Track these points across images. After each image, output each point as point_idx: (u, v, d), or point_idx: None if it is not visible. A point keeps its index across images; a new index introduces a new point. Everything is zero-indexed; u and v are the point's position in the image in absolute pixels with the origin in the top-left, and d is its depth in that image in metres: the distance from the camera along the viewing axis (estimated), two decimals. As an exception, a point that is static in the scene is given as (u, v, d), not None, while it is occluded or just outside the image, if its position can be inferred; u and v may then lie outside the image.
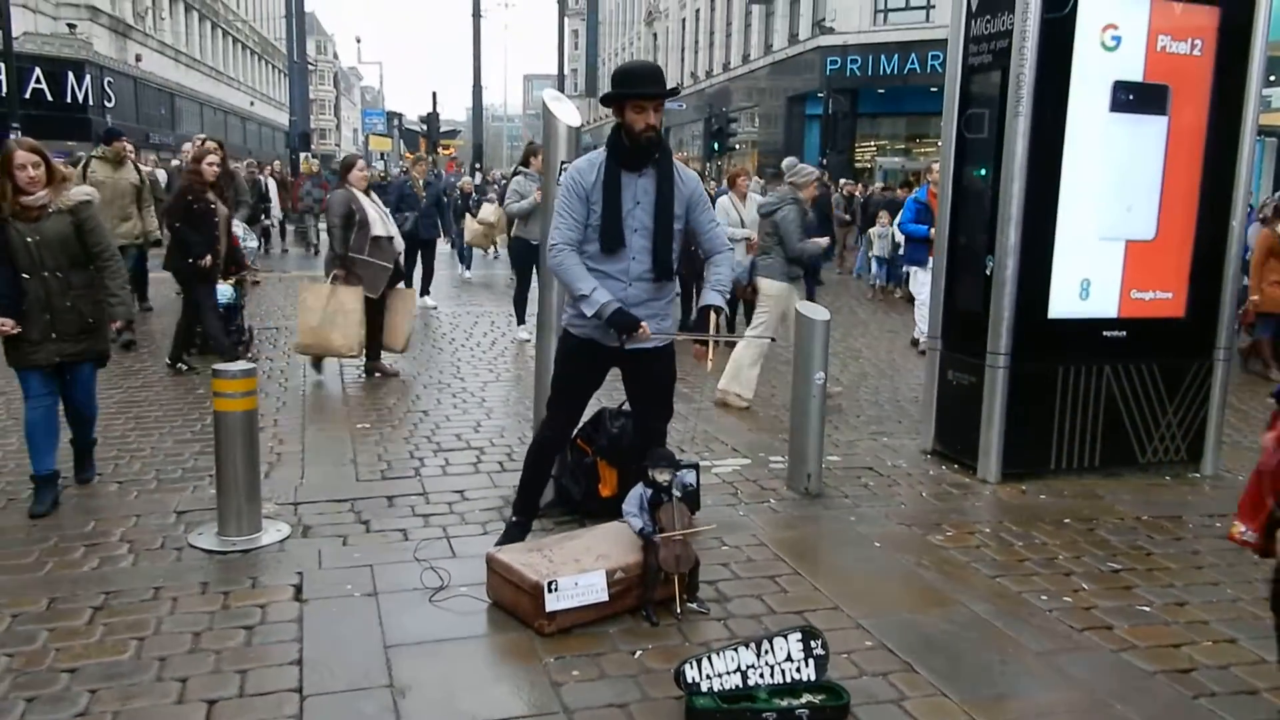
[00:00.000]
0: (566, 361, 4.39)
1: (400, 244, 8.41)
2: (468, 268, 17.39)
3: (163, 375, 8.17)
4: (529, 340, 9.52)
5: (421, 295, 12.37)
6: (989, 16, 5.71)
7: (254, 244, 9.52)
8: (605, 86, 4.55)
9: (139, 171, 9.59)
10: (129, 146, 10.49)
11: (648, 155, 4.12)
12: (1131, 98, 5.62)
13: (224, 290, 8.38)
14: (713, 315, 4.19)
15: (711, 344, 4.19)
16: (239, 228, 9.04)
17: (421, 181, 12.67)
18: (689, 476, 4.14)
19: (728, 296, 4.33)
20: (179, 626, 3.75)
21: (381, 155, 48.23)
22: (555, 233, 4.14)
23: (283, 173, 23.34)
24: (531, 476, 4.54)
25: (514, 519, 4.56)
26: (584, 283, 4.06)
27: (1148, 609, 4.14)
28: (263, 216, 16.85)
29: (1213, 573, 4.56)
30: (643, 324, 4.05)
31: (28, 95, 28.63)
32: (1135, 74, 5.62)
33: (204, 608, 3.91)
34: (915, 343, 10.28)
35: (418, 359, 9.23)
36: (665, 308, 4.28)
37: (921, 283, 9.92)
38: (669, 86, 4.20)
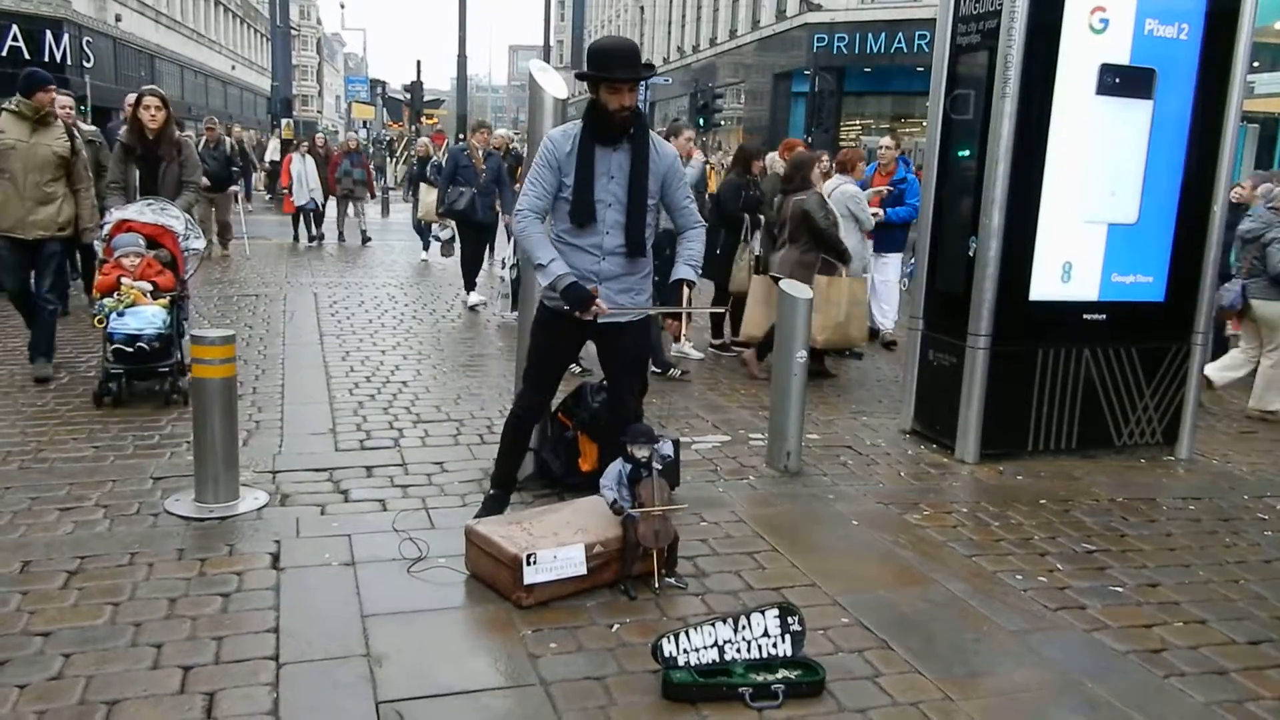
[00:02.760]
0: (540, 333, 4.38)
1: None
2: (425, 247, 14.73)
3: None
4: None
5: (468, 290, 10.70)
6: (979, -4, 5.70)
7: (200, 244, 6.94)
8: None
9: (74, 138, 6.93)
10: (64, 101, 7.82)
11: (623, 131, 4.10)
12: (1118, 81, 5.63)
13: (153, 314, 6.23)
14: (685, 289, 4.19)
15: (685, 317, 4.18)
16: (178, 222, 6.73)
17: (481, 153, 10.48)
18: (666, 447, 4.14)
19: (699, 271, 4.33)
20: (155, 592, 3.72)
21: (364, 123, 47.79)
22: (523, 199, 4.13)
23: (327, 147, 18.03)
24: (508, 449, 4.54)
25: (491, 492, 4.56)
26: (543, 252, 4.04)
27: (1120, 590, 4.18)
28: (233, 186, 14.46)
29: (1185, 555, 4.61)
30: (597, 300, 4.01)
31: (4, 53, 28.21)
32: (1122, 57, 5.62)
33: (180, 574, 3.89)
34: (876, 335, 9.53)
35: (397, 330, 9.19)
36: (640, 282, 4.27)
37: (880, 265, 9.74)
38: (647, 61, 4.17)
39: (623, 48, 4.14)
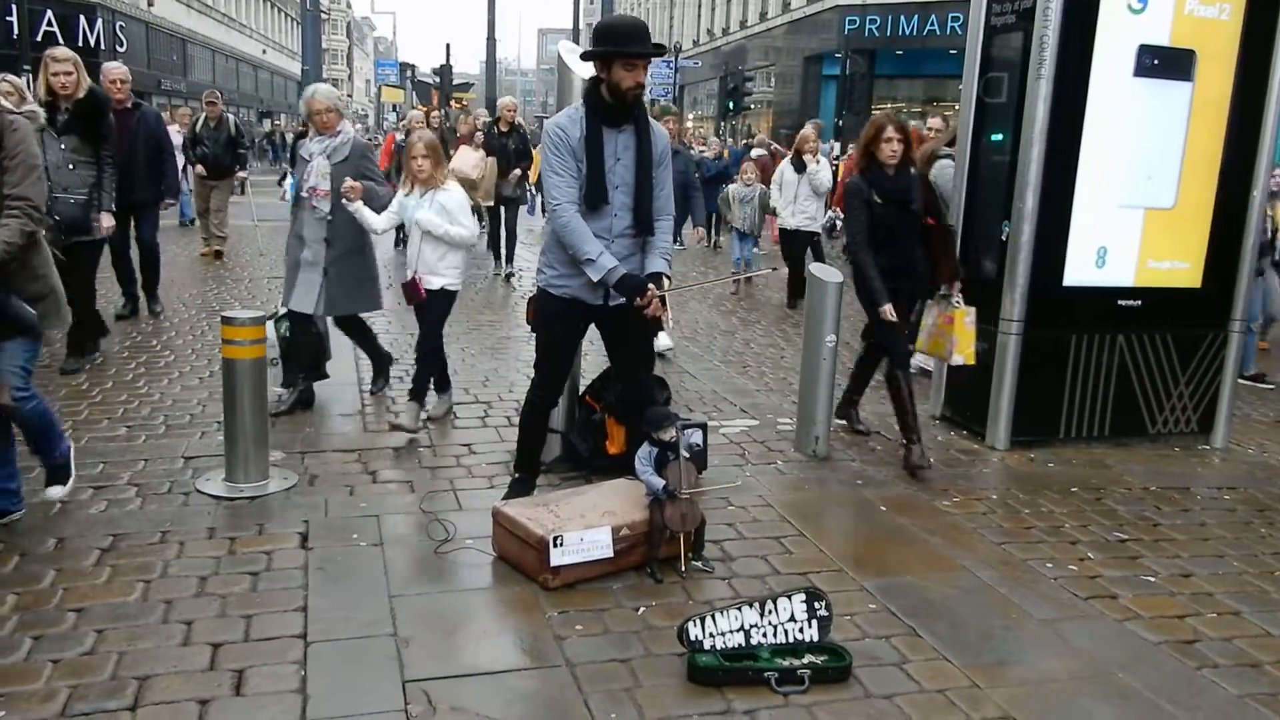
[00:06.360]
0: (548, 323, 4.33)
1: None
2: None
3: (174, 321, 8.15)
4: None
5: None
6: (1014, -24, 5.61)
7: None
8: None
9: None
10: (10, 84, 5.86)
11: (629, 112, 4.06)
12: (1156, 62, 5.52)
13: None
14: (665, 282, 4.10)
15: (668, 301, 4.09)
16: None
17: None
18: (695, 436, 4.12)
19: (670, 261, 4.25)
20: (186, 570, 3.76)
21: (394, 106, 47.99)
22: (556, 191, 4.04)
23: (443, 128, 13.52)
24: (528, 435, 4.53)
25: (516, 475, 4.56)
26: (590, 246, 3.98)
27: (1153, 579, 4.13)
28: (237, 168, 12.18)
29: (1219, 545, 4.55)
30: (650, 286, 3.99)
31: (39, 38, 28.51)
32: (1161, 38, 5.51)
33: (211, 553, 3.93)
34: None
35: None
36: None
37: None
38: (657, 43, 4.13)
39: (635, 25, 4.10)
